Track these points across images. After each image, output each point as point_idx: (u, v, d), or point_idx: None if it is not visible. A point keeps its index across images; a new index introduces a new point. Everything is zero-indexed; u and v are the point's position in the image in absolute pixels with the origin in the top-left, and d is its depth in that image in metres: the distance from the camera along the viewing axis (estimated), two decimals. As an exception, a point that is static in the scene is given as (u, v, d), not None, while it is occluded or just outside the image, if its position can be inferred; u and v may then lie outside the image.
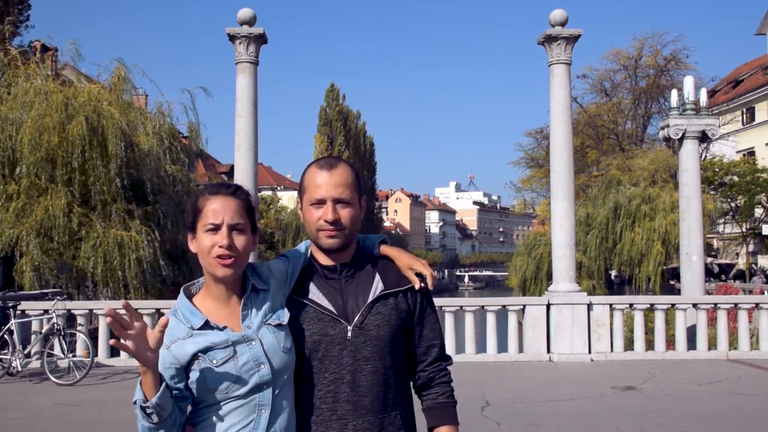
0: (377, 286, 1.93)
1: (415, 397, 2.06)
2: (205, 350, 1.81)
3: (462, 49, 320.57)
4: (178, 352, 1.82)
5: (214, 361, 1.81)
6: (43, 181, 14.51)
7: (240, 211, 1.87)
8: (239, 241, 1.84)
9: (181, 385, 1.83)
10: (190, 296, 1.94)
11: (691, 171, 13.43)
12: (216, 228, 1.83)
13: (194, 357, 1.82)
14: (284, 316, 1.91)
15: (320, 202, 1.88)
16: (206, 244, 1.83)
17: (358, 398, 1.86)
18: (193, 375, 1.82)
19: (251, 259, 2.02)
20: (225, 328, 1.85)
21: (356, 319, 1.88)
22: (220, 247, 1.81)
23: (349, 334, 1.88)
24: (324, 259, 1.95)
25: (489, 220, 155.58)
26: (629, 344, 11.45)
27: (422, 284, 1.97)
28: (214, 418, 1.84)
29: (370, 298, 1.91)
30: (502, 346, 11.20)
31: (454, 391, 2.05)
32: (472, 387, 8.37)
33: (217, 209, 1.84)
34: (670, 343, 11.48)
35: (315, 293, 1.92)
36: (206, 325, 1.85)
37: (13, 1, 24.60)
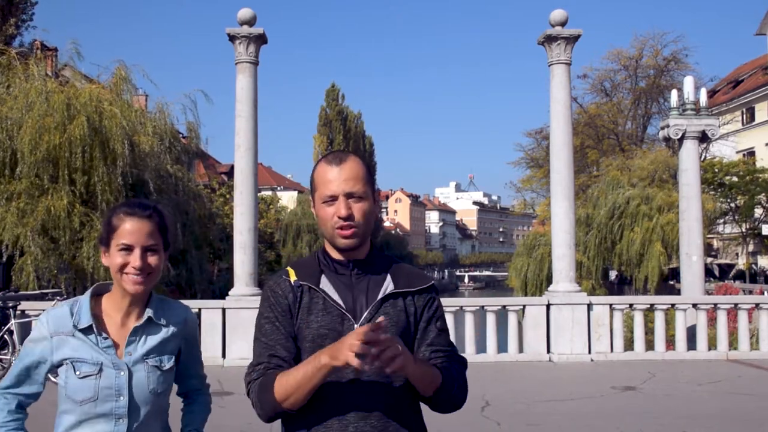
0: (388, 286, 1.87)
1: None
2: (75, 359, 1.90)
3: (462, 49, 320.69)
4: (57, 346, 1.91)
5: (78, 372, 1.89)
6: (44, 181, 14.51)
7: (153, 233, 1.94)
8: (152, 260, 1.93)
9: (44, 375, 1.96)
10: (99, 293, 2.01)
11: (691, 171, 13.43)
12: (129, 249, 1.90)
13: (64, 360, 1.91)
14: (167, 364, 1.98)
15: (332, 199, 1.82)
16: (118, 261, 1.91)
17: (361, 400, 1.77)
18: (60, 373, 1.93)
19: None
20: (107, 338, 1.92)
21: (363, 317, 1.81)
22: (133, 267, 1.90)
23: None
24: (336, 254, 1.89)
25: (489, 220, 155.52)
26: (629, 344, 11.45)
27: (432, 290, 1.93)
28: None
29: (380, 296, 1.84)
30: (502, 346, 11.20)
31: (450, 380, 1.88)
32: (472, 387, 8.25)
33: (132, 231, 1.90)
34: (670, 343, 11.47)
35: (326, 284, 1.85)
36: (89, 329, 1.92)
37: (17, 2, 24.55)
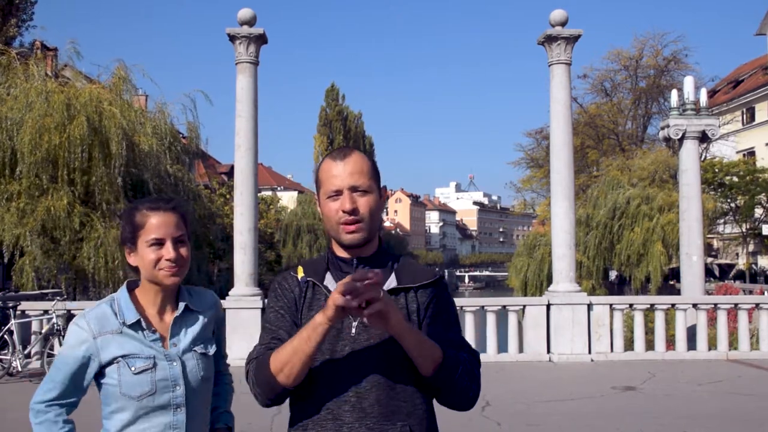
0: (390, 283, 1.82)
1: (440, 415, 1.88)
2: (126, 355, 1.89)
3: (462, 49, 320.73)
4: (102, 346, 1.89)
5: (133, 368, 1.89)
6: (44, 181, 14.52)
7: (180, 224, 1.97)
8: (183, 251, 1.96)
9: (90, 379, 1.92)
10: (132, 290, 2.02)
11: (691, 171, 13.44)
12: (160, 243, 1.92)
13: (114, 359, 1.89)
14: (211, 349, 2.05)
15: (337, 193, 1.79)
16: (152, 257, 1.92)
17: (357, 399, 1.73)
18: (110, 373, 1.90)
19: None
20: (156, 332, 1.94)
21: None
22: (168, 260, 1.92)
23: (353, 330, 1.76)
24: (342, 252, 1.85)
25: (489, 221, 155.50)
26: (629, 344, 11.45)
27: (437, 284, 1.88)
28: None
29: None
30: (502, 346, 11.20)
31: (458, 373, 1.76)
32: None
33: (160, 224, 1.93)
34: (670, 343, 11.48)
35: (329, 281, 1.83)
36: (138, 324, 1.93)
37: (17, 2, 24.55)
